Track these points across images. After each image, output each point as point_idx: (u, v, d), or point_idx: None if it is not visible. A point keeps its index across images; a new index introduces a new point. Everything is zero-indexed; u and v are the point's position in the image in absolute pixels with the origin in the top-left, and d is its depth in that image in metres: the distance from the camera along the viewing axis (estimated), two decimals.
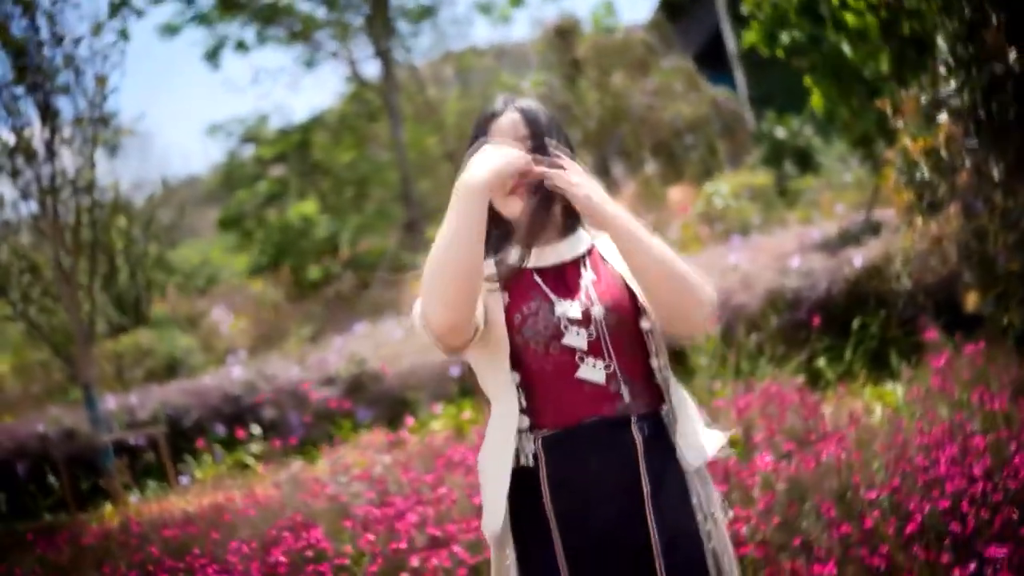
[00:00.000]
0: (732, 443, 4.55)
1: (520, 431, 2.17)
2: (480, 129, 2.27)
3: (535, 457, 2.15)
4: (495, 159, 2.11)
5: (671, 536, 2.13)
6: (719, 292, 7.38)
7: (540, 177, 2.17)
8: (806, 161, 16.52)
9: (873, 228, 8.05)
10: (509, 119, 2.24)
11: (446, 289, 2.04)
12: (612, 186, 16.74)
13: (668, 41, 19.43)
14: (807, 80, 8.73)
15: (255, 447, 8.63)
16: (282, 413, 9.13)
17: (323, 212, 17.24)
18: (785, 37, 8.55)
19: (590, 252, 2.28)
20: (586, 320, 2.16)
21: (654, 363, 2.21)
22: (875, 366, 6.77)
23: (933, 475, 3.25)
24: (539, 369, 2.17)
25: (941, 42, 5.54)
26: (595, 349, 2.16)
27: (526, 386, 2.17)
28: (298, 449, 8.12)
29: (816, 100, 8.72)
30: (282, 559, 4.02)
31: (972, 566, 2.83)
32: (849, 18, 8.33)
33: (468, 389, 8.48)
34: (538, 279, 2.21)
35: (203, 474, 8.39)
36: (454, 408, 8.23)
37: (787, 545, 3.40)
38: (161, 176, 18.55)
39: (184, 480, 8.29)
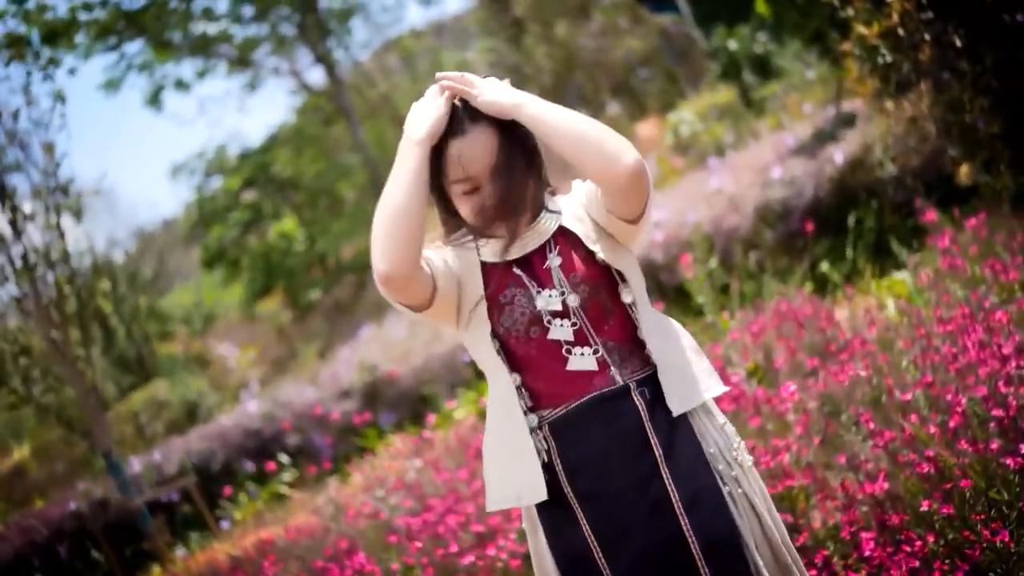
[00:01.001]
0: (752, 372, 4.49)
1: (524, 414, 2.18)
2: (436, 152, 2.15)
3: (546, 443, 2.18)
4: (426, 114, 2.14)
5: (691, 493, 2.13)
6: (709, 220, 7.27)
7: (453, 95, 2.17)
8: (765, 68, 16.34)
9: (846, 121, 7.93)
10: (478, 144, 2.13)
11: (387, 238, 2.06)
12: None
13: None
14: None
15: (287, 476, 8.58)
16: (305, 437, 9.06)
17: (302, 227, 17.09)
18: None
19: (558, 234, 2.24)
20: (566, 311, 2.17)
21: (641, 334, 2.19)
22: (878, 258, 6.67)
23: (964, 362, 3.16)
24: (525, 354, 2.19)
25: None
26: (580, 338, 2.17)
27: (518, 371, 2.19)
28: (329, 469, 8.05)
29: (761, 5, 8.58)
30: None
31: (1023, 448, 2.74)
32: None
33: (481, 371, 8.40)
34: (517, 270, 2.20)
35: (242, 514, 8.34)
36: (473, 393, 8.15)
37: (832, 464, 3.32)
38: (136, 227, 18.38)
39: (225, 524, 8.24)
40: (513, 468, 2.19)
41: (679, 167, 11.31)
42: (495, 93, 2.12)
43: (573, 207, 2.26)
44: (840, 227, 6.99)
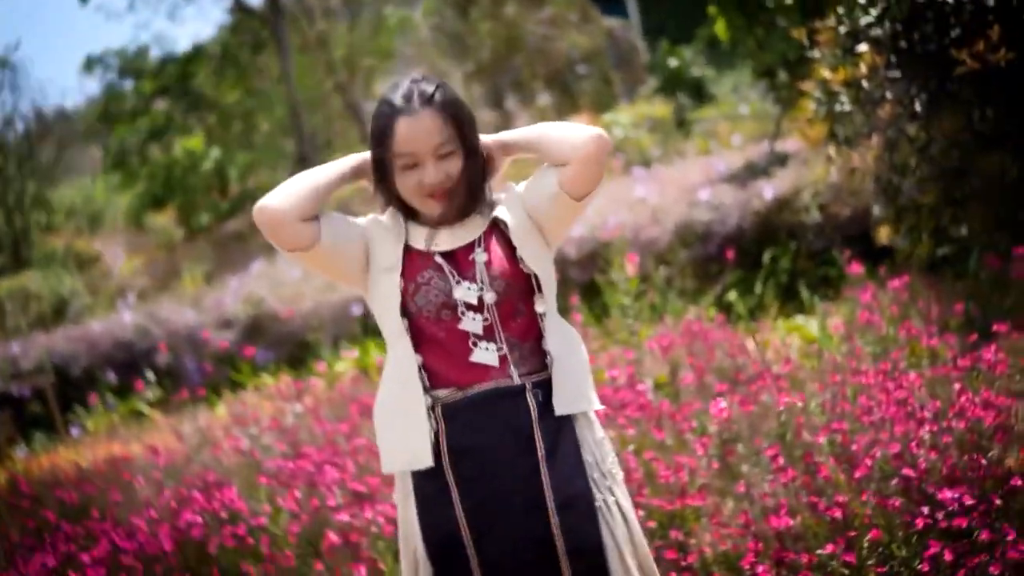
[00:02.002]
0: (659, 385, 4.47)
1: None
2: (384, 126, 2.26)
3: (436, 423, 2.27)
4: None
5: (565, 495, 2.24)
6: (629, 227, 7.25)
7: None
8: (699, 92, 16.51)
9: (780, 160, 8.02)
10: (424, 124, 2.24)
11: (289, 187, 2.27)
12: (506, 118, 16.49)
13: None
14: (711, 9, 8.61)
15: (150, 394, 8.28)
16: (177, 359, 8.77)
17: (209, 147, 16.54)
18: None
19: (487, 231, 2.34)
20: (480, 305, 2.27)
21: (546, 344, 2.30)
22: (786, 299, 6.76)
23: (879, 416, 3.18)
24: (432, 335, 2.29)
25: None
26: (488, 333, 2.28)
27: (420, 348, 2.29)
28: (196, 397, 7.80)
29: (720, 29, 8.61)
30: (197, 519, 3.77)
31: (925, 510, 2.77)
32: None
33: (372, 328, 8.27)
34: (440, 260, 2.31)
35: (95, 424, 8.02)
36: (359, 348, 8.01)
37: (729, 490, 3.31)
38: (34, 107, 17.49)
39: (75, 431, 7.92)
40: (406, 435, 2.27)
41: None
42: (502, 142, 2.37)
43: (508, 202, 2.37)
44: (755, 261, 7.07)
